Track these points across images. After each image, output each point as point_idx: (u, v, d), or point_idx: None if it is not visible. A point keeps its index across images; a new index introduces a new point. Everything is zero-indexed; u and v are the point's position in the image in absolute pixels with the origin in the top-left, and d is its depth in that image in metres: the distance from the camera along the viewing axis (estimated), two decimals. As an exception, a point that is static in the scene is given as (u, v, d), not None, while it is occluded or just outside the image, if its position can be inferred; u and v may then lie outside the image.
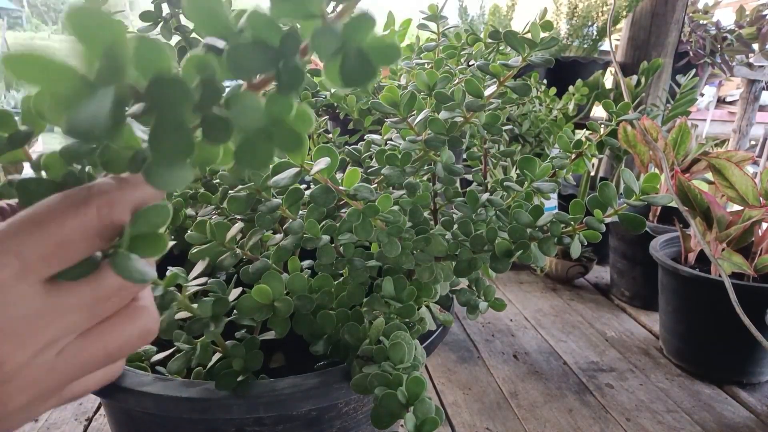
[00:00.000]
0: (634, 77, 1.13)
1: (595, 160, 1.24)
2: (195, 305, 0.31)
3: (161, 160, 0.15)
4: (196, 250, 0.33)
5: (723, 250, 0.72)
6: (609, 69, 1.28)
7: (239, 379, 0.30)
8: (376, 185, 0.40)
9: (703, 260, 0.82)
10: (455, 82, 0.42)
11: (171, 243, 0.32)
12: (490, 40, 0.49)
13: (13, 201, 0.23)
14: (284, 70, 0.15)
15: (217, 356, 0.33)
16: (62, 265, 0.18)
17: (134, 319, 0.21)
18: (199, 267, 0.32)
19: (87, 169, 0.20)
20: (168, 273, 0.30)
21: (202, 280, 0.31)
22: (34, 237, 0.17)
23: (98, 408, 0.61)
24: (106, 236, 0.18)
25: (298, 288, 0.33)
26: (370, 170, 0.38)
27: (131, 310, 0.21)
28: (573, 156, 0.46)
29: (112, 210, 0.18)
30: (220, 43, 0.16)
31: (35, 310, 0.18)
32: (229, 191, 0.37)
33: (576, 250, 0.34)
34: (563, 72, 1.18)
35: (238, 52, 0.15)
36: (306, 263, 0.37)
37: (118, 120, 0.15)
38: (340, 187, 0.31)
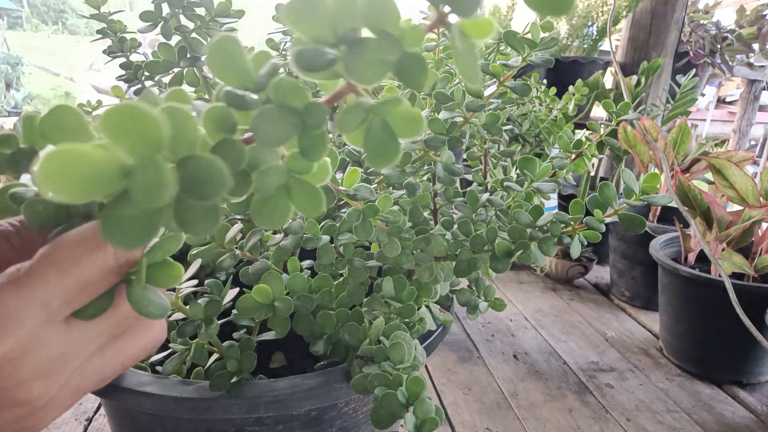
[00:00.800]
0: (634, 77, 1.13)
1: (595, 160, 1.24)
2: (188, 307, 0.31)
3: (187, 227, 0.15)
4: (195, 251, 0.33)
5: (723, 250, 0.72)
6: (609, 69, 1.28)
7: (233, 380, 0.30)
8: (376, 185, 0.40)
9: (703, 260, 0.82)
10: (455, 82, 0.42)
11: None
12: (490, 41, 0.49)
13: (16, 219, 0.23)
14: (308, 138, 0.15)
15: (214, 357, 0.33)
16: (80, 303, 0.19)
17: (146, 331, 0.22)
18: (193, 268, 0.32)
19: None
20: None
21: (195, 281, 0.31)
22: (56, 284, 0.18)
23: (98, 408, 0.61)
24: (123, 272, 0.19)
25: (298, 288, 0.33)
26: (370, 170, 0.38)
27: (143, 324, 0.22)
28: (573, 156, 0.46)
29: (129, 253, 0.19)
30: (240, 97, 0.15)
31: (61, 348, 0.19)
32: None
33: (576, 250, 0.34)
34: (563, 72, 1.19)
35: (263, 120, 0.15)
36: (306, 263, 0.37)
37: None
38: (340, 187, 0.31)
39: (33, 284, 0.17)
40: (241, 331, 0.35)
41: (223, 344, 0.33)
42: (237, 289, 0.34)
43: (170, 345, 0.33)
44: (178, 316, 0.32)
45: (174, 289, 0.32)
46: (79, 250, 0.18)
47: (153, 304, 0.18)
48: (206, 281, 0.33)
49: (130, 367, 0.23)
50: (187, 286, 0.31)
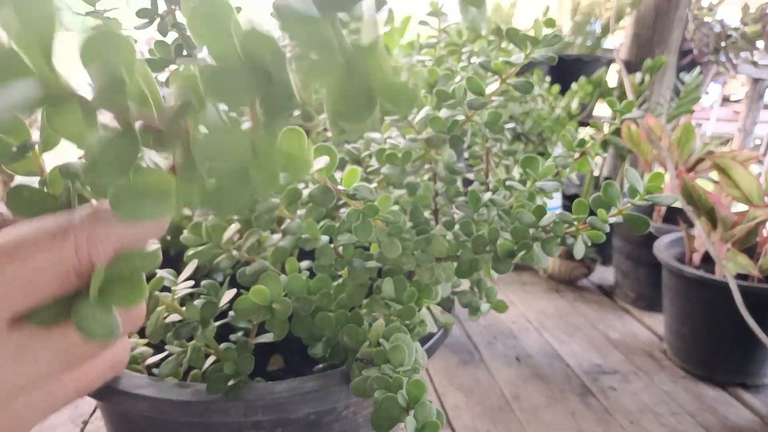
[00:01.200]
0: (638, 75, 1.12)
1: (598, 159, 1.24)
2: (185, 308, 0.31)
3: (130, 195, 0.14)
4: (191, 252, 0.33)
5: (728, 250, 0.71)
6: (612, 67, 1.27)
7: (230, 383, 0.29)
8: (375, 185, 0.39)
9: (707, 261, 0.81)
10: (457, 79, 0.41)
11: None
12: (492, 37, 0.48)
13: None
14: (271, 91, 0.13)
15: (211, 359, 0.33)
16: (29, 302, 0.15)
17: (106, 357, 0.20)
18: (189, 269, 0.31)
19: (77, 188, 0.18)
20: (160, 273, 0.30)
21: (191, 282, 0.31)
22: (3, 271, 0.15)
23: (94, 411, 0.61)
24: (83, 275, 0.16)
25: (297, 289, 0.33)
26: (369, 169, 0.38)
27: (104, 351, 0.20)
28: (576, 155, 0.45)
29: (92, 245, 0.16)
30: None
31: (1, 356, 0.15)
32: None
33: (579, 251, 0.33)
34: (566, 70, 1.18)
35: (220, 72, 0.13)
36: (305, 264, 0.37)
37: (130, 159, 0.13)
38: (340, 187, 0.31)
39: None
40: (239, 334, 0.35)
41: (220, 346, 0.32)
42: (234, 291, 0.33)
43: (166, 347, 0.33)
44: (175, 317, 0.32)
45: (170, 290, 0.31)
46: (34, 234, 0.15)
47: (97, 321, 0.15)
48: (203, 282, 0.33)
49: (87, 392, 0.20)
50: (183, 288, 0.31)
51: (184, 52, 0.37)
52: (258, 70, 0.13)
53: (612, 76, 1.28)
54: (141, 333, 0.35)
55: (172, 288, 0.31)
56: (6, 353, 0.15)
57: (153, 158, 0.15)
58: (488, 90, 0.36)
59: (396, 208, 0.34)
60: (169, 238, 0.42)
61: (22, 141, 0.20)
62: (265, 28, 0.13)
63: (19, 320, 0.16)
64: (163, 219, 0.18)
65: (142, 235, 0.17)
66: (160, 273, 0.31)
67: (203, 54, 0.14)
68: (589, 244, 0.33)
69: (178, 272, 0.33)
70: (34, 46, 0.12)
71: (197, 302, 0.31)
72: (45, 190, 0.19)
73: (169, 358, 0.32)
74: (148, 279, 0.31)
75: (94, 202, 0.19)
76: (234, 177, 0.13)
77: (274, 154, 0.13)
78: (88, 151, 0.13)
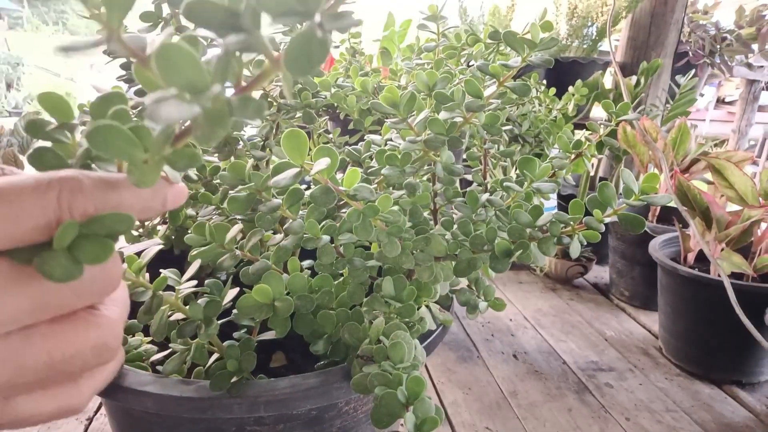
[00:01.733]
0: (634, 77, 1.13)
1: (594, 160, 1.24)
2: (189, 307, 0.31)
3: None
4: (195, 252, 0.34)
5: (722, 250, 0.72)
6: (609, 69, 1.28)
7: (233, 380, 0.30)
8: (376, 185, 0.40)
9: (702, 260, 0.82)
10: (455, 82, 0.42)
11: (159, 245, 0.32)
12: (489, 41, 0.49)
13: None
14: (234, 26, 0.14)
15: (214, 356, 0.33)
16: (9, 242, 0.16)
17: (87, 328, 0.18)
18: (193, 269, 0.32)
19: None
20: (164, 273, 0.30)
21: (195, 282, 0.32)
22: None
23: (99, 407, 0.62)
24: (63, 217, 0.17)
25: (299, 288, 0.33)
26: (370, 170, 0.38)
27: (84, 318, 0.19)
28: (572, 156, 0.46)
29: (74, 200, 0.16)
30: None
31: None
32: (230, 191, 0.37)
33: (575, 250, 0.34)
34: (563, 72, 1.19)
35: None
36: (306, 263, 0.37)
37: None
38: (340, 188, 0.31)
39: None
40: (242, 331, 0.35)
41: (223, 344, 0.33)
42: (237, 289, 0.34)
43: (170, 345, 0.33)
44: (178, 316, 0.32)
45: (174, 290, 0.32)
46: (24, 182, 0.16)
47: (59, 264, 0.16)
48: (206, 281, 0.33)
49: (63, 374, 0.18)
50: (186, 287, 0.31)
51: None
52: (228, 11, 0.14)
53: (608, 78, 1.29)
54: (145, 331, 0.35)
55: (176, 287, 0.31)
56: None
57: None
58: (486, 92, 0.37)
59: (396, 208, 0.34)
60: (173, 237, 0.43)
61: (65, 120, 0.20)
62: None
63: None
64: (143, 193, 0.18)
65: (129, 205, 0.18)
66: (165, 273, 0.32)
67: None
68: (585, 243, 0.34)
69: (182, 272, 0.33)
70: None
71: (200, 301, 0.31)
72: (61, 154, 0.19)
73: (173, 356, 0.33)
74: (152, 279, 0.32)
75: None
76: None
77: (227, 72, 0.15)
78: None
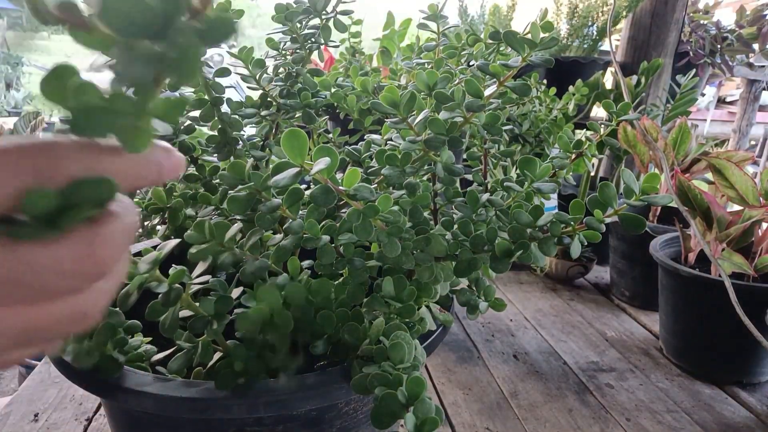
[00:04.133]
0: (634, 77, 1.13)
1: (595, 160, 1.24)
2: (197, 303, 0.31)
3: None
4: (194, 250, 0.33)
5: (723, 250, 0.72)
6: (609, 69, 1.28)
7: (240, 381, 0.30)
8: (376, 185, 0.40)
9: (703, 260, 0.82)
10: (455, 82, 0.42)
11: (173, 242, 0.32)
12: (490, 41, 0.49)
13: None
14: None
15: (217, 356, 0.33)
16: None
17: (67, 300, 0.17)
18: (201, 266, 0.32)
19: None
20: (171, 271, 0.30)
21: (205, 278, 0.32)
22: None
23: (98, 408, 0.61)
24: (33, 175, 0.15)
25: (297, 299, 0.33)
26: (370, 170, 0.38)
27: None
28: (573, 156, 0.46)
29: (53, 165, 0.15)
30: None
31: None
32: (229, 191, 0.37)
33: (576, 250, 0.34)
34: (563, 72, 1.18)
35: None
36: (306, 263, 0.37)
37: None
38: (340, 187, 0.31)
39: None
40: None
41: (228, 343, 0.33)
42: (240, 289, 0.34)
43: (177, 343, 0.33)
44: (186, 313, 0.32)
45: (184, 286, 0.32)
46: (8, 141, 0.15)
47: (27, 233, 0.14)
48: (211, 280, 0.33)
49: (36, 337, 0.17)
50: (198, 282, 0.31)
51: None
52: None
53: (609, 78, 1.29)
54: (144, 332, 0.35)
55: (187, 282, 0.31)
56: None
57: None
58: (486, 92, 0.37)
59: (396, 208, 0.34)
60: (172, 237, 0.43)
61: None
62: None
63: None
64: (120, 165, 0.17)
65: (111, 167, 0.16)
66: (178, 268, 0.31)
67: None
68: (586, 243, 0.34)
69: (181, 272, 0.33)
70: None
71: (210, 297, 0.31)
72: None
73: (179, 354, 0.33)
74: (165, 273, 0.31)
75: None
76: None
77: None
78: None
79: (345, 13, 0.48)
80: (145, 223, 0.47)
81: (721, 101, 3.55)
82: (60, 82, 0.14)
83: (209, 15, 0.14)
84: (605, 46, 1.32)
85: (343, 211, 0.39)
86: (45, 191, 0.15)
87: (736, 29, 1.54)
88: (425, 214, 0.37)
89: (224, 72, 0.45)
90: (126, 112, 0.15)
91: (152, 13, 0.12)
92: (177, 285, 0.31)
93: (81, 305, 0.18)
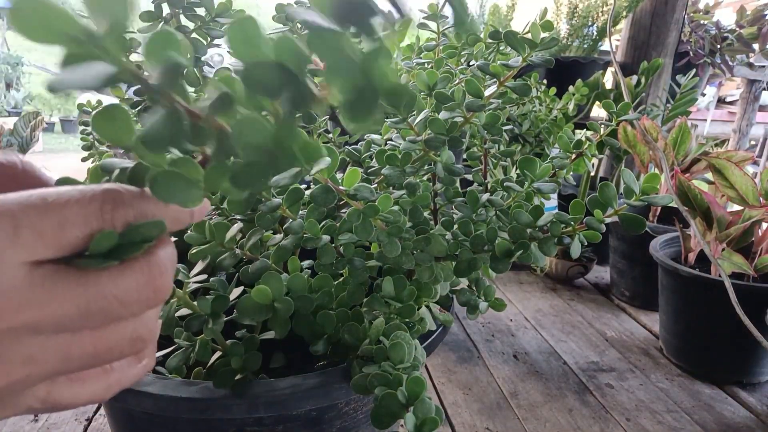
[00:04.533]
0: (634, 77, 1.13)
1: (595, 160, 1.24)
2: (195, 303, 0.31)
3: (167, 178, 0.16)
4: (195, 250, 0.33)
5: (723, 250, 0.72)
6: (609, 69, 1.28)
7: (237, 377, 0.30)
8: (376, 185, 0.40)
9: (703, 260, 0.82)
10: (455, 82, 0.42)
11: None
12: (490, 40, 0.49)
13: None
14: (292, 88, 0.15)
15: (216, 355, 0.33)
16: (54, 247, 0.17)
17: (127, 322, 0.20)
18: (200, 265, 0.32)
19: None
20: None
21: (203, 277, 0.32)
22: (35, 208, 0.17)
23: (98, 408, 0.61)
24: (107, 218, 0.18)
25: (298, 288, 0.33)
26: (370, 170, 0.38)
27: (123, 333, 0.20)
28: (573, 156, 0.46)
29: (115, 211, 0.18)
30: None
31: (17, 283, 0.17)
32: (229, 191, 0.37)
33: (576, 250, 0.34)
34: (563, 72, 1.18)
35: (255, 68, 0.15)
36: (306, 263, 0.37)
37: (177, 134, 0.16)
38: (341, 187, 0.31)
39: (12, 198, 0.17)
40: (243, 331, 0.35)
41: (227, 342, 0.33)
42: (240, 288, 0.34)
43: (175, 341, 0.33)
44: (183, 312, 0.32)
45: (181, 284, 0.32)
46: (70, 192, 0.18)
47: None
48: (211, 279, 0.33)
49: (104, 362, 0.20)
50: (195, 281, 0.31)
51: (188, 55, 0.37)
52: (285, 69, 0.15)
53: (609, 78, 1.29)
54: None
55: (185, 281, 0.31)
56: (24, 284, 0.17)
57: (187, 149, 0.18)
58: (487, 92, 0.37)
59: (396, 208, 0.34)
60: (172, 236, 0.43)
61: None
62: (292, 38, 0.15)
63: (41, 264, 0.17)
64: (178, 209, 0.20)
65: (156, 213, 0.19)
66: (177, 266, 0.32)
67: (234, 62, 0.16)
68: (586, 243, 0.34)
69: (181, 271, 0.33)
70: (110, 32, 0.15)
71: (208, 296, 0.31)
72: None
73: (177, 352, 0.33)
74: None
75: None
76: (260, 155, 0.16)
77: (294, 137, 0.16)
78: (143, 126, 0.16)
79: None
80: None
81: (721, 101, 3.55)
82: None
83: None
84: (605, 46, 1.32)
85: (343, 211, 0.39)
86: (109, 233, 0.18)
87: (737, 29, 1.54)
88: (425, 214, 0.37)
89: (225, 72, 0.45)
90: (199, 186, 0.17)
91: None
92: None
93: (137, 330, 0.20)
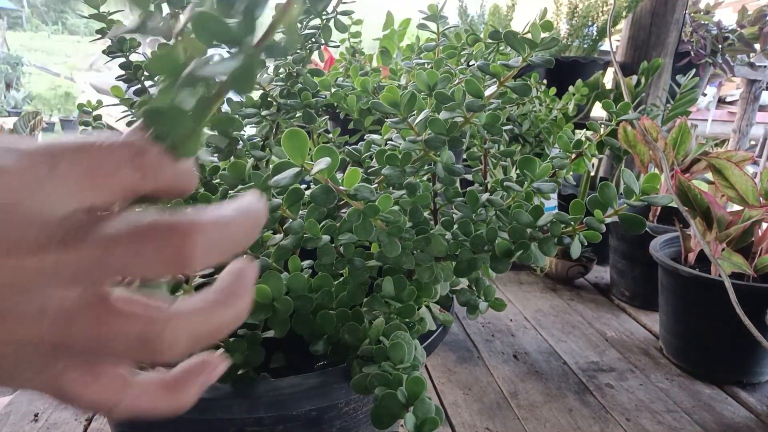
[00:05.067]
0: (634, 77, 1.13)
1: (595, 160, 1.24)
2: None
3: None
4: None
5: (723, 250, 0.72)
6: (609, 69, 1.28)
7: (239, 372, 0.30)
8: (376, 185, 0.40)
9: (703, 260, 0.82)
10: (455, 82, 0.42)
11: None
12: (490, 41, 0.49)
13: None
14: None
15: (218, 352, 0.33)
16: (89, 193, 0.18)
17: (138, 318, 0.18)
18: None
19: None
20: None
21: (208, 270, 0.32)
22: (73, 148, 0.17)
23: (98, 408, 0.61)
24: (136, 186, 0.18)
25: (298, 288, 0.33)
26: (370, 170, 0.38)
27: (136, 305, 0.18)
28: (573, 156, 0.46)
29: (143, 160, 0.18)
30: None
31: (51, 219, 0.17)
32: (230, 191, 0.37)
33: (576, 250, 0.34)
34: (563, 72, 1.18)
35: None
36: (306, 263, 0.37)
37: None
38: (341, 187, 0.31)
39: (54, 141, 0.17)
40: (244, 329, 0.35)
41: (229, 339, 0.33)
42: None
43: None
44: None
45: (187, 280, 0.32)
46: (112, 139, 0.18)
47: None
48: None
49: (205, 341, 0.18)
50: (200, 275, 0.32)
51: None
52: None
53: (609, 78, 1.29)
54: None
55: (190, 276, 0.31)
56: (55, 225, 0.17)
57: None
58: (487, 92, 0.37)
59: (396, 208, 0.34)
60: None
61: None
62: None
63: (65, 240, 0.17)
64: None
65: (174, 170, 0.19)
66: None
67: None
68: (586, 243, 0.34)
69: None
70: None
71: None
72: None
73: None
74: None
75: None
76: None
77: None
78: None
79: (345, 13, 0.48)
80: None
81: (721, 101, 3.55)
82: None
83: (273, 41, 0.17)
84: (605, 46, 1.32)
85: (344, 211, 0.39)
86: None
87: (738, 29, 1.54)
88: (425, 214, 0.37)
89: (224, 72, 0.45)
90: (188, 118, 0.18)
91: (230, 33, 0.16)
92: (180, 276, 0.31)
93: (148, 331, 0.18)
